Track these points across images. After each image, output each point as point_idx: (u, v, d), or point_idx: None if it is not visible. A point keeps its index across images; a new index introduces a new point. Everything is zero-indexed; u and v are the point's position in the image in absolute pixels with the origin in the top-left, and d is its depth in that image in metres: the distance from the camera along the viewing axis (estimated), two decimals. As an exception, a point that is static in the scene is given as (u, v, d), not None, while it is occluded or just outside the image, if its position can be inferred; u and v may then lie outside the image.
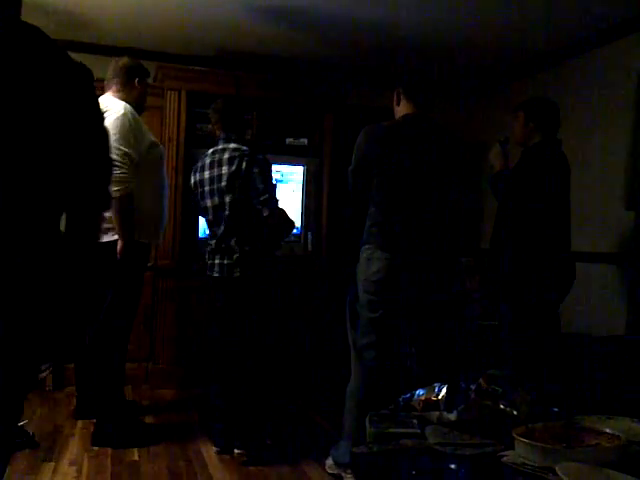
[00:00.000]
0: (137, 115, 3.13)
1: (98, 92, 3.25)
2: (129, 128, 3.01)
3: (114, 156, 2.92)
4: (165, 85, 4.25)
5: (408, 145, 2.68)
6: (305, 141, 4.63)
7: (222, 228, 3.09)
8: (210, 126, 3.32)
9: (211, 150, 3.20)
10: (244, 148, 3.11)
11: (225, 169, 3.07)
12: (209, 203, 3.14)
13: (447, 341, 2.82)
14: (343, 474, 2.75)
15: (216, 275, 3.11)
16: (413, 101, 2.76)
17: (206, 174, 3.15)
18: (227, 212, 3.07)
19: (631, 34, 3.78)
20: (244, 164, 3.04)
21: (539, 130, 3.13)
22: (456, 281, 2.89)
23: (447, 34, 4.08)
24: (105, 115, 2.99)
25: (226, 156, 3.09)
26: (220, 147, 3.17)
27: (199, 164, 3.23)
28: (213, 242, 3.14)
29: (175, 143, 4.24)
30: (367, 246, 2.70)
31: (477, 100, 5.28)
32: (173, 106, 4.26)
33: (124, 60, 3.25)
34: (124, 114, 3.01)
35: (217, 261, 3.11)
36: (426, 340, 2.77)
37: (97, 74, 4.08)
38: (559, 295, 3.10)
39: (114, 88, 3.19)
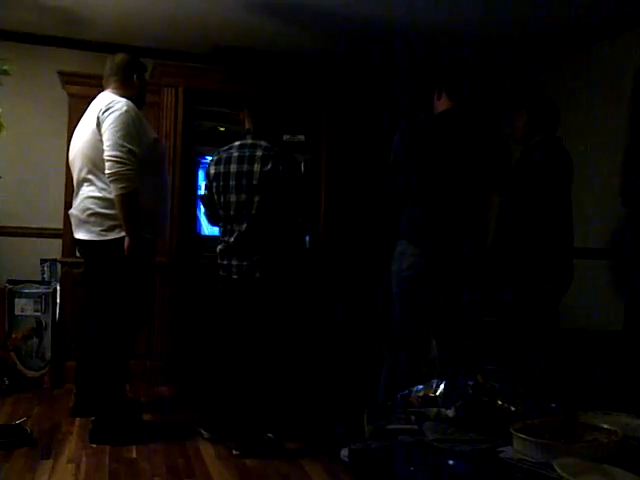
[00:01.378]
0: (139, 111, 3.12)
1: (96, 89, 3.30)
2: (132, 125, 3.00)
3: (118, 153, 2.92)
4: (162, 82, 4.24)
5: (445, 141, 2.71)
6: (302, 137, 4.62)
7: (245, 226, 3.04)
8: (241, 116, 3.23)
9: (238, 143, 3.12)
10: (276, 148, 3.06)
11: (257, 167, 3.00)
12: (233, 198, 3.06)
13: (470, 337, 2.84)
14: None
15: (235, 277, 3.06)
16: (453, 97, 2.78)
17: (233, 168, 3.06)
18: (254, 211, 3.02)
19: (628, 30, 3.78)
20: (281, 166, 3.00)
21: (540, 129, 3.16)
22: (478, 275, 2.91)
23: (443, 29, 4.07)
24: (108, 112, 2.99)
25: (259, 153, 3.02)
26: (249, 142, 3.10)
27: (223, 155, 3.13)
28: (231, 240, 3.07)
29: (172, 140, 4.23)
30: (401, 240, 2.73)
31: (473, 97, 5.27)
32: (170, 103, 4.25)
33: (120, 57, 3.23)
34: (127, 111, 3.00)
35: (235, 262, 3.05)
36: (451, 336, 2.79)
37: (94, 71, 4.13)
38: (559, 292, 3.11)
39: (113, 85, 3.18)
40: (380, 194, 2.85)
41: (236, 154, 3.09)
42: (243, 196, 3.04)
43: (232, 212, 3.08)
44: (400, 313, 2.74)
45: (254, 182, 3.01)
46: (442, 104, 2.81)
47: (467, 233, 2.72)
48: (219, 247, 3.16)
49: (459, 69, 2.96)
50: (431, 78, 2.95)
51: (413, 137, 2.72)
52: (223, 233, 3.16)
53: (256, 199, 3.02)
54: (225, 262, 3.11)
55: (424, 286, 2.68)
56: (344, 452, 2.88)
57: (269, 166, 3.00)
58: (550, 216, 3.03)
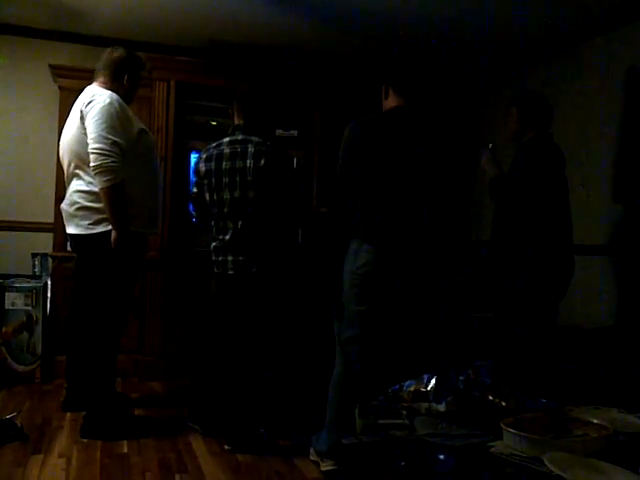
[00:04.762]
0: (124, 103, 3.07)
1: (87, 83, 3.28)
2: (116, 116, 2.96)
3: (102, 145, 2.90)
4: (154, 75, 4.22)
5: (393, 139, 2.67)
6: (295, 132, 4.62)
7: (240, 223, 3.01)
8: (231, 111, 3.21)
9: (227, 139, 3.09)
10: (268, 143, 3.04)
11: (250, 162, 2.98)
12: (227, 195, 3.03)
13: (435, 333, 2.83)
14: (320, 462, 2.78)
15: (230, 273, 3.04)
16: (401, 95, 2.74)
17: (225, 165, 3.03)
18: (249, 207, 2.99)
19: (619, 28, 3.79)
20: (274, 160, 2.99)
21: (532, 125, 3.12)
22: (445, 273, 2.89)
23: (438, 26, 4.07)
24: (90, 105, 2.97)
25: (251, 149, 3.00)
26: (239, 138, 3.07)
27: (213, 152, 3.09)
28: (226, 237, 3.04)
29: (164, 134, 4.22)
30: (354, 239, 2.70)
31: (468, 94, 5.28)
32: (162, 97, 4.23)
33: (118, 53, 3.18)
34: (110, 103, 2.97)
35: (230, 258, 3.02)
36: (414, 332, 2.78)
37: (86, 64, 4.10)
38: (559, 290, 3.09)
39: (101, 79, 3.15)
40: (334, 194, 2.78)
41: (227, 150, 3.06)
42: (237, 193, 3.01)
43: (226, 209, 3.05)
44: (352, 311, 2.71)
45: (248, 178, 2.99)
46: (390, 102, 2.77)
47: (423, 229, 2.69)
48: (213, 244, 3.14)
49: (405, 64, 2.88)
50: (377, 74, 2.89)
51: (360, 136, 2.68)
52: (217, 231, 3.12)
53: (250, 195, 3.00)
54: (220, 258, 3.09)
55: (380, 282, 2.66)
56: (312, 449, 2.91)
57: (262, 161, 2.98)
58: (545, 213, 3.01)
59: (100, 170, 2.89)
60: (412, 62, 2.91)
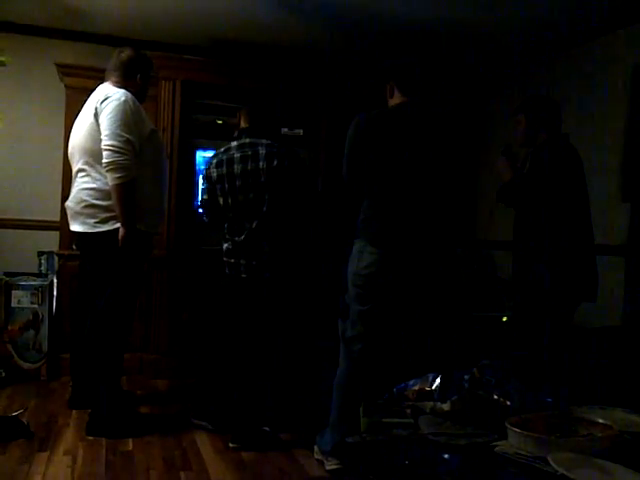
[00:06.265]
0: (137, 102, 3.08)
1: (93, 81, 3.28)
2: (130, 114, 2.97)
3: (116, 142, 2.90)
4: (160, 74, 4.22)
5: (398, 135, 2.64)
6: (301, 131, 4.61)
7: (256, 223, 3.02)
8: (238, 116, 3.23)
9: (236, 143, 3.11)
10: (276, 144, 3.06)
11: (263, 164, 3.00)
12: (241, 198, 3.04)
13: (440, 333, 2.82)
14: (325, 461, 2.80)
15: (243, 276, 3.05)
16: (406, 94, 2.72)
17: (237, 168, 3.04)
18: (265, 208, 3.01)
19: (625, 27, 3.77)
20: (286, 161, 3.01)
21: (543, 129, 3.06)
22: (451, 272, 2.87)
23: (441, 26, 4.06)
24: (106, 102, 2.98)
25: (262, 151, 3.01)
26: (247, 141, 3.08)
27: (223, 157, 3.10)
28: (241, 238, 3.05)
29: (170, 133, 4.22)
30: (358, 240, 2.69)
31: (472, 93, 5.26)
32: (168, 96, 4.24)
33: (126, 53, 3.19)
34: (125, 101, 2.98)
35: (243, 261, 3.04)
36: (418, 332, 2.77)
37: (92, 63, 4.11)
38: (578, 297, 3.04)
39: (113, 79, 3.15)
40: (338, 194, 2.77)
41: (238, 154, 3.06)
42: (251, 195, 3.02)
43: (242, 211, 3.06)
44: (355, 311, 2.70)
45: (262, 180, 3.00)
46: (395, 100, 2.75)
47: (429, 229, 2.66)
48: (225, 245, 3.14)
49: (409, 63, 2.85)
50: (382, 73, 2.87)
51: (366, 131, 2.65)
52: (230, 232, 3.13)
53: (266, 197, 3.01)
54: (232, 261, 3.09)
55: (383, 283, 2.65)
56: (316, 448, 2.91)
57: (275, 162, 2.99)
58: (565, 218, 2.95)
59: (113, 167, 2.90)
60: (416, 61, 2.90)
